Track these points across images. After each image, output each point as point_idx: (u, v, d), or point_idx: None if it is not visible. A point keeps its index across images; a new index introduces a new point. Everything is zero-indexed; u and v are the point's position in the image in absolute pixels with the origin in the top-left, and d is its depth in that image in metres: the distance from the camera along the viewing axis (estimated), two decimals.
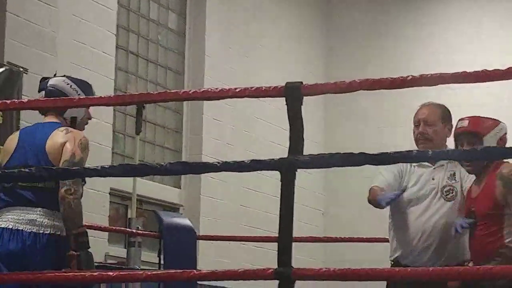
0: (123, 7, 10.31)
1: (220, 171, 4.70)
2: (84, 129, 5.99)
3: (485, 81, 4.19)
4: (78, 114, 5.93)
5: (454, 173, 6.20)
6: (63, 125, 5.77)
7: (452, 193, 6.17)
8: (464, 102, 11.41)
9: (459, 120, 5.98)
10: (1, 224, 5.61)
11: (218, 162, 4.66)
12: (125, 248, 9.28)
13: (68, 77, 6.05)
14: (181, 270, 5.68)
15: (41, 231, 5.58)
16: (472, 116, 6.10)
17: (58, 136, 5.63)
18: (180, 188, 10.88)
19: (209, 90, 5.92)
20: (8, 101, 6.42)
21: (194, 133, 10.98)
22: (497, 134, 5.94)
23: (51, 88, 5.88)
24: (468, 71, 4.09)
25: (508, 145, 5.85)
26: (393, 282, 6.05)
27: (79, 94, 5.88)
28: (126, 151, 10.17)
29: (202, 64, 11.06)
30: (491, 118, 6.11)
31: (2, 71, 8.57)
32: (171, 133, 11.02)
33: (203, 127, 10.90)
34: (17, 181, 5.49)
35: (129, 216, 9.45)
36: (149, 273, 6.47)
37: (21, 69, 8.73)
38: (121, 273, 6.02)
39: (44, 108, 6.15)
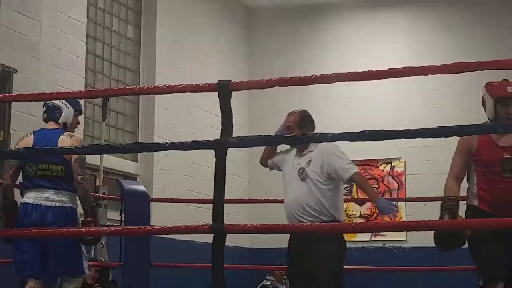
0: (91, 21, 10.20)
1: (168, 150, 4.72)
2: (74, 131, 6.47)
3: (371, 79, 4.27)
4: (67, 120, 6.28)
5: (311, 160, 6.09)
6: (64, 130, 6.25)
7: (303, 174, 6.09)
8: (357, 96, 11.53)
9: (509, 86, 5.14)
10: (25, 201, 6.06)
11: (166, 143, 4.67)
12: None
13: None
14: (137, 227, 5.78)
15: (52, 205, 6.02)
16: None
17: (66, 140, 6.09)
18: (137, 162, 10.84)
19: (159, 86, 6.02)
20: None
21: (148, 119, 10.93)
22: None
23: (49, 104, 6.25)
24: (356, 71, 4.16)
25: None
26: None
27: (68, 107, 6.29)
28: (95, 133, 10.09)
29: (153, 66, 11.02)
30: None
31: None
32: (129, 119, 10.95)
33: (155, 115, 10.86)
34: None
35: (97, 184, 9.43)
36: (112, 229, 6.53)
37: (12, 70, 8.65)
38: (91, 228, 6.06)
39: (27, 100, 6.34)
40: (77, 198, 6.14)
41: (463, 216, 5.18)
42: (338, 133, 4.34)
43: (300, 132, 6.07)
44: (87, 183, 6.17)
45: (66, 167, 6.13)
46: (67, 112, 6.28)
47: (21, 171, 6.22)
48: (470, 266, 6.76)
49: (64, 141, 6.09)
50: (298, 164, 6.14)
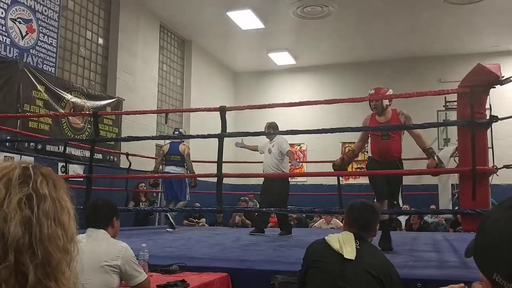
0: (160, 76, 10.14)
1: (196, 138, 4.78)
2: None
3: (299, 105, 4.41)
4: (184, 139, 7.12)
5: (274, 145, 6.33)
6: (182, 142, 6.98)
7: (270, 151, 6.35)
8: (284, 113, 11.59)
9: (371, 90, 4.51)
10: (166, 170, 6.82)
11: (196, 134, 4.73)
12: (161, 166, 9.28)
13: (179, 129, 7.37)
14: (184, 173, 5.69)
15: (176, 172, 6.72)
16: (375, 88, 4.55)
17: (182, 146, 6.89)
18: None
19: (192, 108, 6.09)
20: (116, 111, 6.41)
21: (186, 123, 10.86)
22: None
23: (181, 131, 7.15)
24: (284, 102, 4.25)
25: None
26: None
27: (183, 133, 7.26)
28: (162, 130, 10.09)
29: (189, 98, 10.93)
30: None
31: (115, 100, 8.46)
32: (178, 124, 10.81)
33: (190, 121, 10.77)
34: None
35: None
36: (170, 174, 6.60)
37: (122, 99, 8.62)
38: (160, 174, 6.14)
39: (129, 114, 6.31)
40: (186, 169, 6.85)
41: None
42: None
43: (272, 131, 6.23)
44: (191, 164, 6.83)
45: (181, 157, 6.82)
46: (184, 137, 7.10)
47: (164, 157, 6.92)
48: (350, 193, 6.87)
49: (181, 146, 6.86)
50: (268, 146, 6.42)
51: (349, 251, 2.22)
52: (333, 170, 4.57)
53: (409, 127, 4.13)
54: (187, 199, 6.93)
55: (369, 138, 4.61)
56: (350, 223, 2.41)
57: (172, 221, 6.80)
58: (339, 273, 2.20)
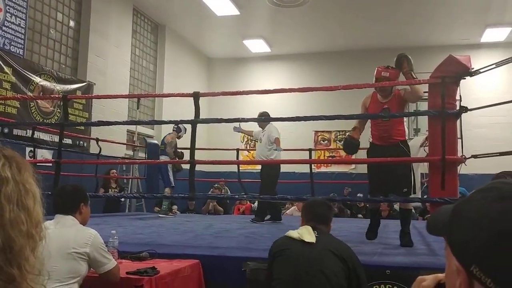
0: (132, 60, 9.99)
1: (168, 124, 4.71)
2: (180, 138, 7.25)
3: (273, 93, 4.38)
4: (179, 131, 7.20)
5: (264, 134, 6.42)
6: (172, 133, 7.16)
7: (261, 140, 6.44)
8: (260, 100, 11.58)
9: (383, 71, 4.09)
10: (161, 159, 6.90)
11: (168, 120, 4.66)
12: (132, 151, 9.14)
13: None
14: (153, 160, 5.66)
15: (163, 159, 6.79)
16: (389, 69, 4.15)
17: (168, 136, 7.12)
18: (153, 129, 10.69)
19: (165, 93, 5.96)
20: (86, 95, 6.26)
21: (159, 109, 10.77)
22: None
23: (179, 126, 7.12)
24: (259, 89, 4.22)
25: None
26: None
27: (181, 129, 7.19)
28: (134, 115, 9.94)
29: (162, 83, 10.85)
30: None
31: (85, 84, 8.28)
32: (150, 109, 10.75)
33: (163, 107, 10.70)
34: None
35: (134, 139, 9.31)
36: (141, 160, 6.49)
37: (93, 83, 8.44)
38: (131, 160, 6.02)
39: (99, 98, 6.16)
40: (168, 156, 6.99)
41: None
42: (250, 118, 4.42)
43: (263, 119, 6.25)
44: (170, 151, 6.93)
45: (165, 146, 6.99)
46: (181, 131, 7.18)
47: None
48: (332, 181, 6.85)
49: (167, 136, 7.10)
50: (260, 135, 6.53)
51: (309, 238, 2.45)
52: (306, 158, 4.57)
53: (382, 116, 4.15)
54: (171, 184, 7.07)
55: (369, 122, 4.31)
56: (308, 218, 2.64)
57: (163, 208, 7.30)
58: (303, 256, 2.39)
